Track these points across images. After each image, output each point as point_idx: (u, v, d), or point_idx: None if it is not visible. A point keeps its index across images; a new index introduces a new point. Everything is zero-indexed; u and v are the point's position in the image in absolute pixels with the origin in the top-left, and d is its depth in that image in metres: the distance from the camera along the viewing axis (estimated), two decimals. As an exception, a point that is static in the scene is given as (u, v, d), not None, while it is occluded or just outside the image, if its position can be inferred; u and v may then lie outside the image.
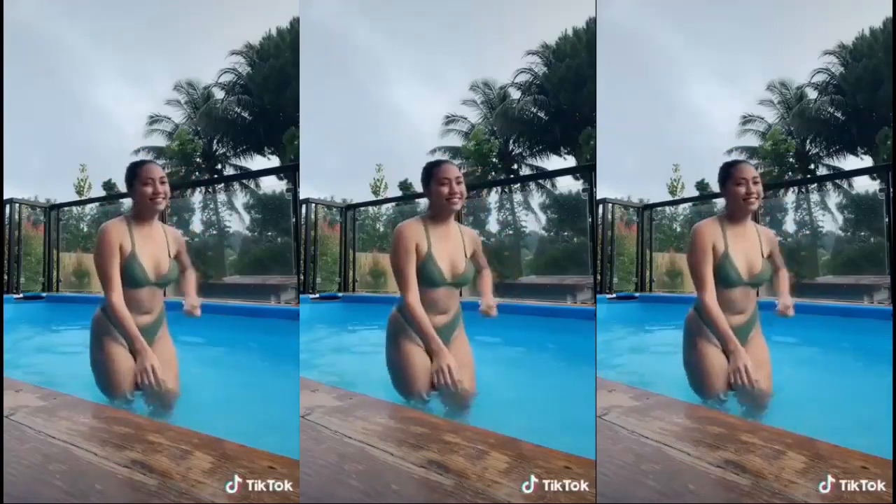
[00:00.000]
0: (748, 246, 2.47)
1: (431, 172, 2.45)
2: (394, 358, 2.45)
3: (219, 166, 11.74)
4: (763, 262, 2.46)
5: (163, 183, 2.48)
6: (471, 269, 2.50)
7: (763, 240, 2.50)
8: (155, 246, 2.51)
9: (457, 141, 11.87)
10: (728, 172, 2.46)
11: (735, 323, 2.43)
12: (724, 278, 2.43)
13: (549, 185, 9.65)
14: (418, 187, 2.55)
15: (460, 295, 2.55)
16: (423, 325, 2.41)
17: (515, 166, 11.77)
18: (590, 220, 6.62)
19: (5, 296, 6.55)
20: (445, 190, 2.42)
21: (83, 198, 10.05)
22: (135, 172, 2.48)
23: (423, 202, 2.50)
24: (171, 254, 2.54)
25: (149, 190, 2.45)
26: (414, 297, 2.41)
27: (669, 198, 8.90)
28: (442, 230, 2.47)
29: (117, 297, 2.42)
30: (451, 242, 2.49)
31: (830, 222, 9.39)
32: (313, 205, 7.35)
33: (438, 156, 11.56)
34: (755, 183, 2.43)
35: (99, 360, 2.46)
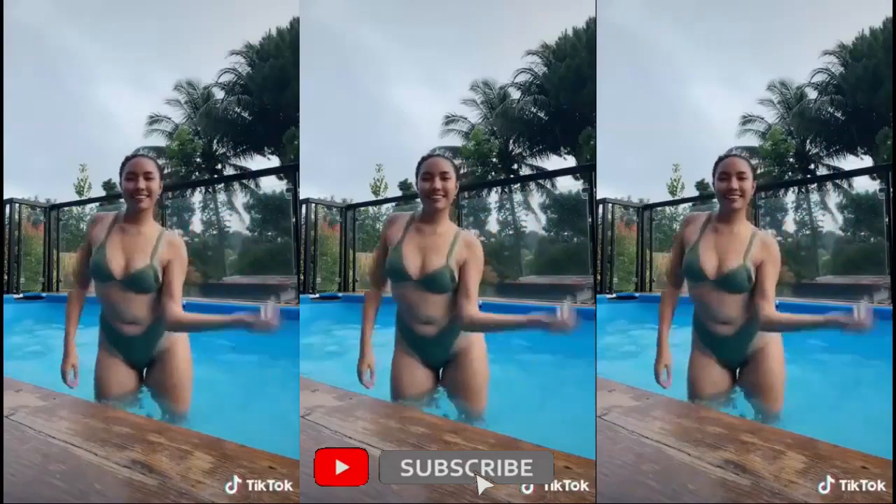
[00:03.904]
0: (726, 243, 2.29)
1: (419, 166, 2.35)
2: (392, 367, 2.39)
3: (219, 166, 11.73)
4: (738, 264, 2.26)
5: (149, 179, 2.33)
6: (446, 272, 2.27)
7: (755, 244, 2.28)
8: (132, 243, 2.34)
9: (457, 141, 11.85)
10: (716, 167, 2.34)
11: (721, 333, 2.31)
12: (686, 271, 2.34)
13: (549, 185, 9.64)
14: (418, 186, 2.51)
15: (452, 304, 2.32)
16: (363, 322, 2.40)
17: (515, 166, 11.76)
18: (590, 220, 6.62)
19: (5, 296, 6.54)
20: (427, 185, 2.30)
21: (83, 198, 10.04)
22: (123, 166, 2.37)
23: (424, 202, 2.46)
24: (153, 256, 2.32)
25: (130, 185, 2.33)
26: (370, 287, 2.43)
27: (669, 198, 8.88)
28: (427, 227, 2.33)
29: (75, 284, 2.45)
30: (433, 239, 2.31)
31: (830, 222, 9.38)
32: (313, 205, 7.34)
33: (438, 156, 11.54)
34: (741, 178, 2.28)
35: (95, 366, 2.41)
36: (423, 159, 2.37)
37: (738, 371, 2.37)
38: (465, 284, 2.29)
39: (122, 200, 2.42)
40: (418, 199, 2.38)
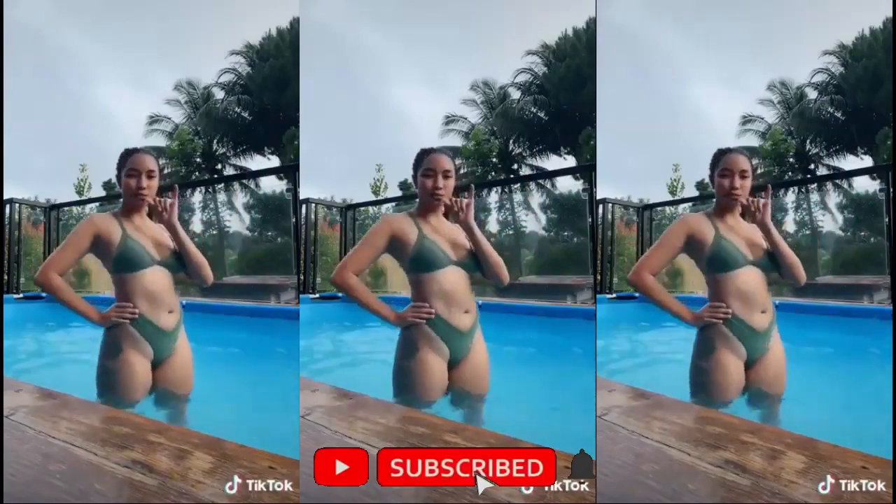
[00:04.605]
0: (744, 233, 2.29)
1: (420, 161, 2.30)
2: (406, 366, 2.30)
3: (219, 166, 11.73)
4: (765, 246, 2.27)
5: (151, 177, 2.30)
6: (474, 254, 2.29)
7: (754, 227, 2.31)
8: (150, 230, 2.34)
9: (457, 141, 11.85)
10: (717, 160, 2.30)
11: (760, 325, 2.27)
12: (727, 259, 2.25)
13: (549, 185, 9.64)
14: (418, 185, 2.47)
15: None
16: (361, 296, 2.28)
17: (515, 166, 11.76)
18: (590, 220, 6.62)
19: (5, 296, 6.55)
20: (429, 183, 2.26)
21: (83, 198, 10.05)
22: (124, 161, 2.32)
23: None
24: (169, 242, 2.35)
25: (133, 183, 2.29)
26: (346, 271, 2.28)
27: (669, 198, 8.89)
28: (433, 220, 2.31)
29: (50, 270, 2.28)
30: (446, 228, 2.31)
31: (830, 222, 9.39)
32: (313, 205, 7.35)
33: (438, 156, 11.54)
34: (743, 177, 2.25)
35: (111, 367, 2.31)
36: (425, 153, 2.30)
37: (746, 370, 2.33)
38: (479, 241, 2.29)
39: (121, 200, 2.38)
40: (418, 199, 2.34)
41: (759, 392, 2.33)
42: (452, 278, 2.28)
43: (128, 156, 2.32)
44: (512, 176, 11.49)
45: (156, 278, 2.32)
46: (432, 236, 2.28)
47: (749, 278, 2.27)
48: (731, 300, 2.28)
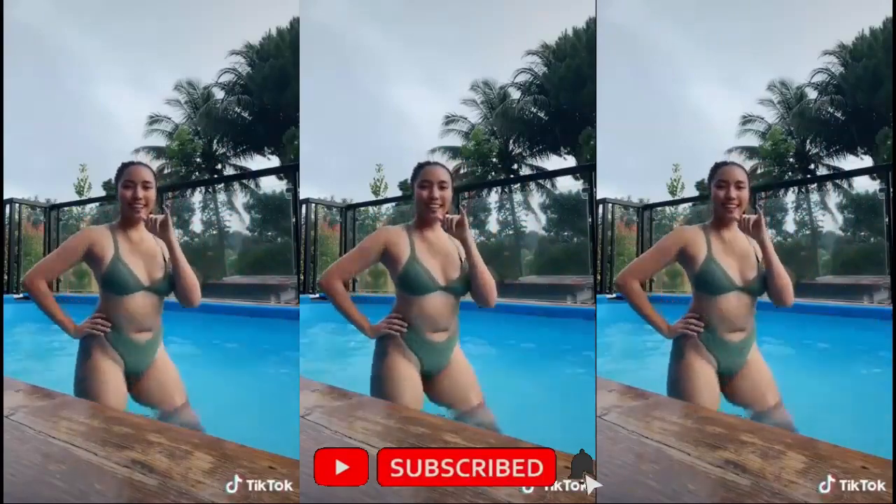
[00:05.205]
0: (739, 251, 2.29)
1: (416, 173, 2.32)
2: (377, 374, 2.31)
3: (219, 166, 11.73)
4: (758, 268, 2.27)
5: (147, 188, 2.31)
6: (465, 276, 2.29)
7: (750, 241, 2.30)
8: (145, 249, 2.34)
9: (457, 141, 11.85)
10: (713, 173, 2.31)
11: (733, 340, 2.28)
12: (713, 283, 2.26)
13: (549, 185, 9.64)
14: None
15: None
16: (344, 304, 2.30)
17: (515, 166, 11.76)
18: (590, 220, 6.62)
19: (5, 296, 6.55)
20: (425, 193, 2.27)
21: (83, 198, 10.05)
22: (121, 173, 2.34)
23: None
24: (166, 258, 2.34)
25: (128, 194, 2.30)
26: (333, 277, 2.30)
27: (669, 198, 8.89)
28: (429, 235, 2.31)
29: (38, 276, 2.30)
30: (442, 245, 2.32)
31: (830, 222, 9.38)
32: (313, 205, 7.35)
33: (438, 155, 11.56)
34: (739, 188, 2.26)
35: (83, 375, 2.31)
36: (421, 166, 2.32)
37: (725, 382, 2.32)
38: (473, 260, 2.29)
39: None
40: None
41: (741, 404, 2.32)
42: (436, 303, 2.29)
43: (123, 168, 2.35)
44: (512, 176, 11.49)
45: (141, 303, 2.33)
46: (423, 259, 2.28)
47: (731, 304, 2.28)
48: (710, 317, 2.30)
